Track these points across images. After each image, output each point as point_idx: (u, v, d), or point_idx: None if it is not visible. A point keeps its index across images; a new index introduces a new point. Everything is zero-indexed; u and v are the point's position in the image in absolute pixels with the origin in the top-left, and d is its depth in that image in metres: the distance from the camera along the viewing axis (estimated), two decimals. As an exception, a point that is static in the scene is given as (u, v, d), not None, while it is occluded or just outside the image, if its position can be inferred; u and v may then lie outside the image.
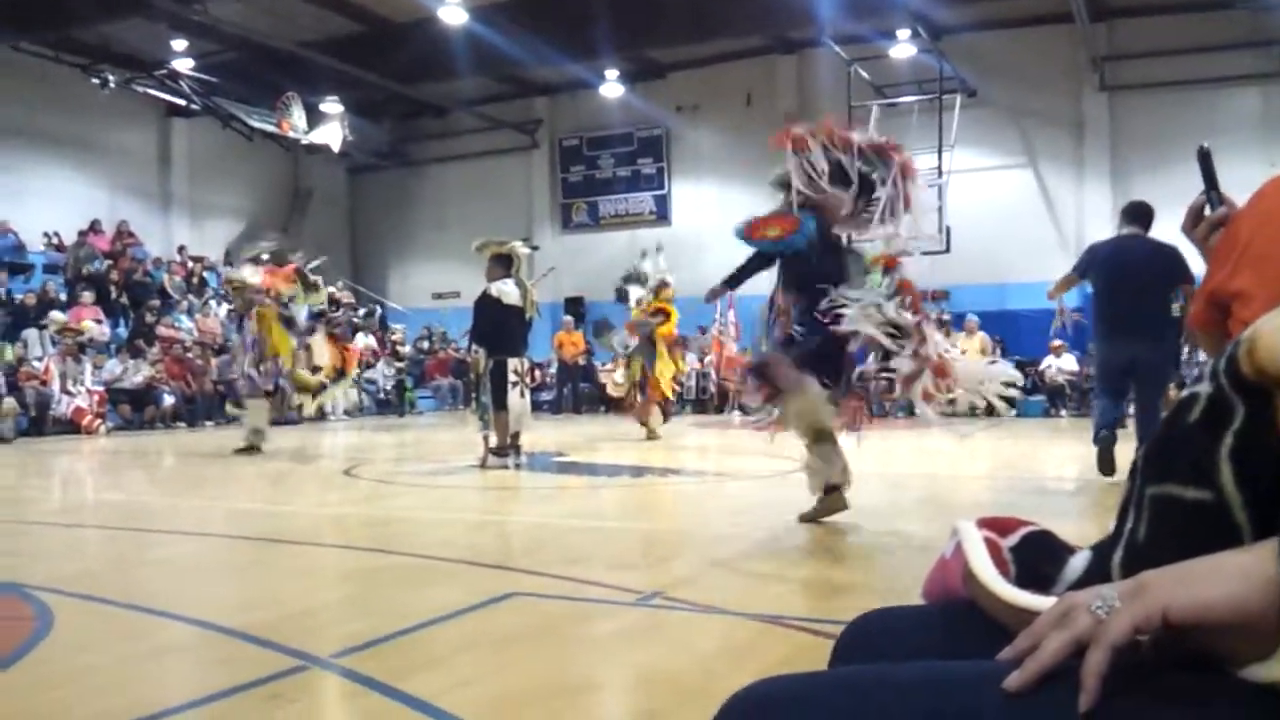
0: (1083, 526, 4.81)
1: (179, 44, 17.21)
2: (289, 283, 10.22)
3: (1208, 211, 1.54)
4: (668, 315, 11.68)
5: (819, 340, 5.00)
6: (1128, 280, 6.39)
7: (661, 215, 20.57)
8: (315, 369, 10.22)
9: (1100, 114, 17.14)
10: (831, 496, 5.08)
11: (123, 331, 16.43)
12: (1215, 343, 1.67)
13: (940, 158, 17.12)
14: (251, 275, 10.22)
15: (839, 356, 5.10)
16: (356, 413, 17.77)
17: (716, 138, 19.86)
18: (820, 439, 5.09)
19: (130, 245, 18.37)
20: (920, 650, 0.95)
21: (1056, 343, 15.73)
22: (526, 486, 7.98)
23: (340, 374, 10.45)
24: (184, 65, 17.73)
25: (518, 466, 8.61)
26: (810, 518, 5.13)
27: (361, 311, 21.54)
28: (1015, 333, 16.60)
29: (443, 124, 22.29)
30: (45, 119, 17.38)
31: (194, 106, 18.60)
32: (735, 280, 5.56)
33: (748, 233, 5.22)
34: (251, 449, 10.10)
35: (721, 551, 4.62)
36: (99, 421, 13.74)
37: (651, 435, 11.59)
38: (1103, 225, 16.98)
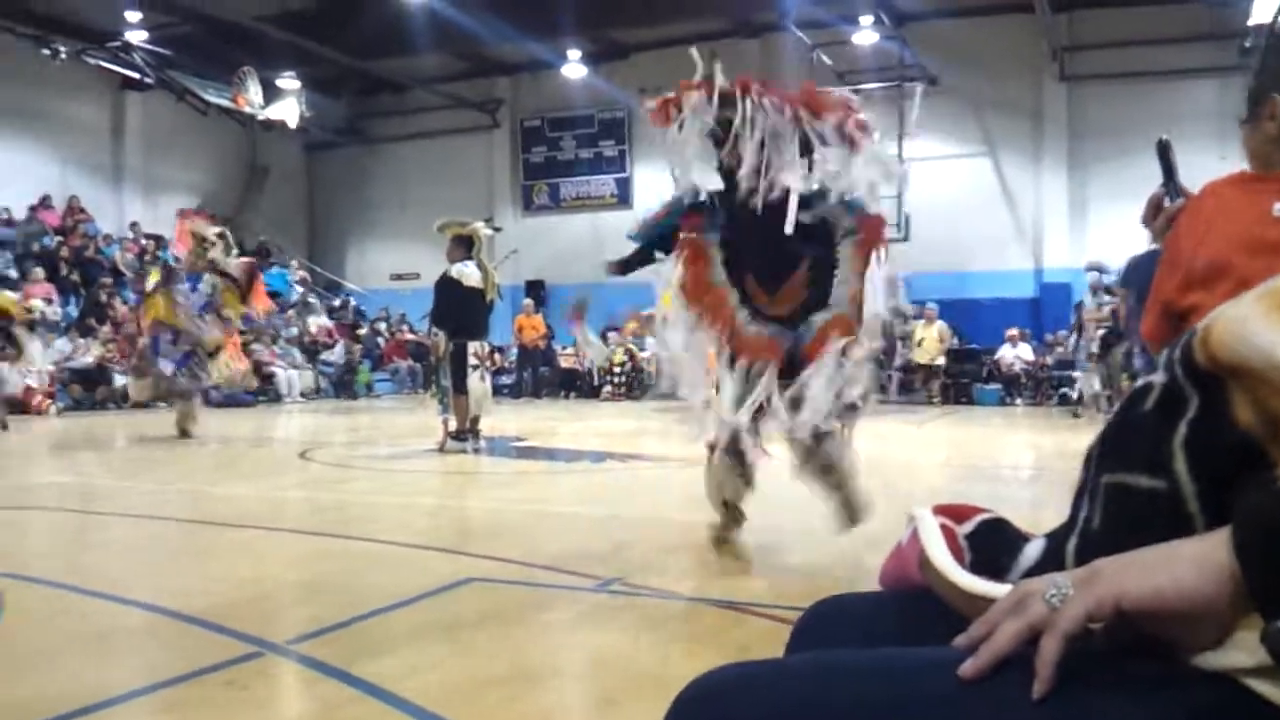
0: (1037, 515, 4.87)
1: (133, 15, 16.88)
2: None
3: (1167, 203, 1.55)
4: None
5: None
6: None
7: (623, 198, 20.51)
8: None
9: (1059, 104, 17.32)
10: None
11: (74, 310, 16.14)
12: None
13: (900, 145, 17.20)
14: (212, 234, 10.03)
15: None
16: (313, 395, 17.61)
17: (679, 121, 19.77)
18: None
19: (82, 221, 18.02)
20: (876, 637, 0.96)
21: (1013, 331, 15.91)
22: (485, 471, 7.95)
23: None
24: (138, 37, 17.39)
25: (476, 451, 8.56)
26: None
27: (336, 301, 21.43)
28: (974, 321, 16.76)
29: (402, 101, 22.05)
30: (-5, 91, 17.00)
31: (148, 80, 18.27)
32: (624, 267, 4.63)
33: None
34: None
35: (681, 538, 4.63)
36: (49, 401, 13.50)
37: None
38: (1060, 215, 17.22)
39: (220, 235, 9.97)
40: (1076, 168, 17.16)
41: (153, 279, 9.97)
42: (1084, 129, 17.10)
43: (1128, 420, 0.83)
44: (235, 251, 10.24)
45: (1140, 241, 1.81)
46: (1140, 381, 0.84)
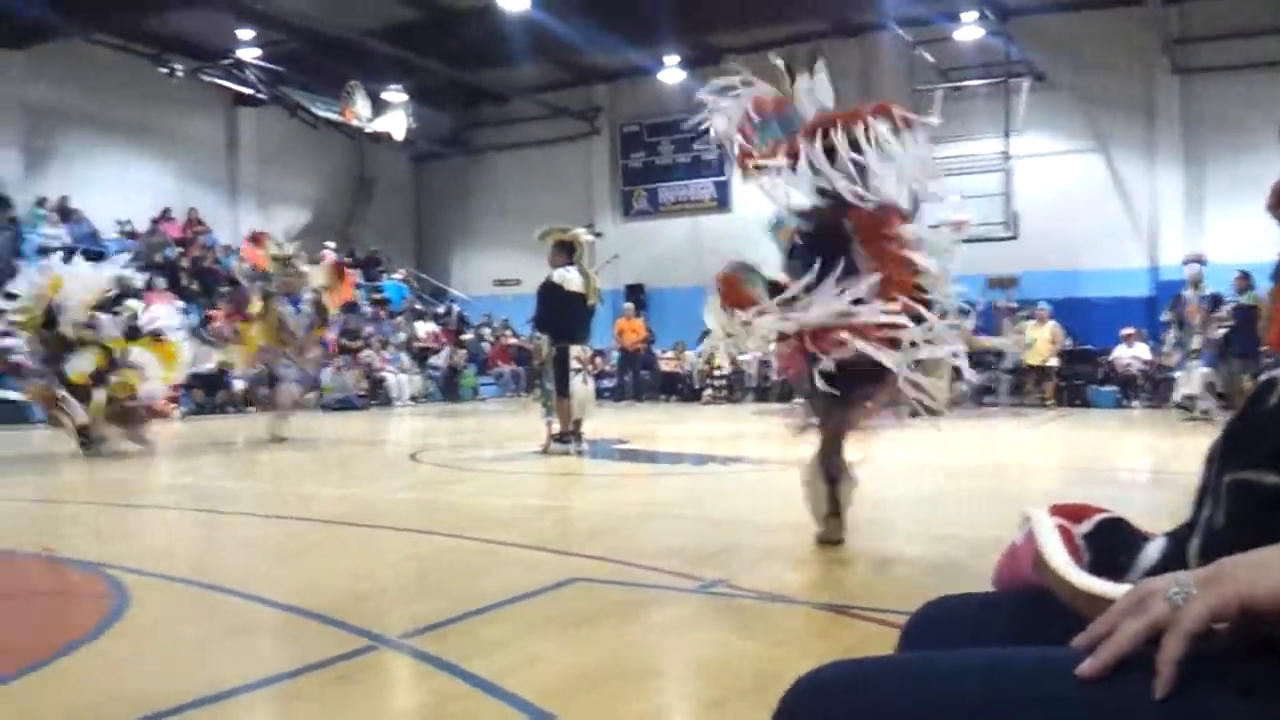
0: (1155, 520, 4.71)
1: (245, 34, 17.52)
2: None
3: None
4: None
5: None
6: None
7: (722, 202, 20.47)
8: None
9: (1172, 98, 16.70)
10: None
11: (194, 318, 16.79)
12: None
13: (1007, 142, 16.84)
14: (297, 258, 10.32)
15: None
16: (421, 398, 18.02)
17: (777, 123, 19.66)
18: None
19: (200, 233, 18.77)
20: (989, 637, 0.95)
21: (1129, 331, 15.40)
22: (589, 473, 8.02)
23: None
24: (250, 55, 18.04)
25: (580, 453, 8.64)
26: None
27: (441, 308, 21.91)
28: (1087, 321, 16.28)
29: (503, 111, 22.42)
30: (117, 108, 17.78)
31: (260, 95, 18.91)
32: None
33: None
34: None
35: (785, 539, 4.60)
36: (173, 405, 14.07)
37: None
38: (1176, 211, 16.62)
39: (278, 259, 10.16)
40: (1192, 163, 16.53)
41: (254, 307, 10.17)
42: (1199, 123, 16.46)
43: (1252, 417, 0.81)
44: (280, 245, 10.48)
45: (1267, 236, 1.74)
46: (1264, 377, 0.82)
